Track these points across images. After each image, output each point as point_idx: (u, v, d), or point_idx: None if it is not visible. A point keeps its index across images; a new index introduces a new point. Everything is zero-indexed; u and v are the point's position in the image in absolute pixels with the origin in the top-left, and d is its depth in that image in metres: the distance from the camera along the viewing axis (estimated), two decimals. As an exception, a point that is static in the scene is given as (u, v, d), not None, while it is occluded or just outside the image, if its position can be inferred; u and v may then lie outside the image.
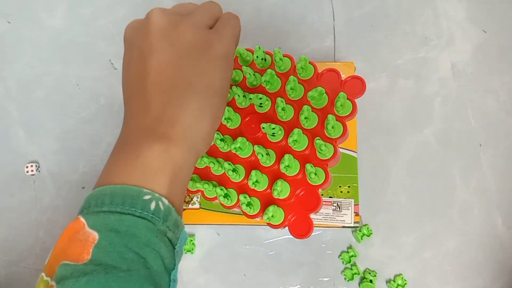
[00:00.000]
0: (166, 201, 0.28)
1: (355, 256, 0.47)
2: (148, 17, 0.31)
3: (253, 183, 0.37)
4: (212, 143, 0.40)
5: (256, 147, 0.36)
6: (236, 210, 0.40)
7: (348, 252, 0.47)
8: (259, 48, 0.40)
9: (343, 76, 0.41)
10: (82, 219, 0.27)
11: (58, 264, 0.25)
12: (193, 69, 0.30)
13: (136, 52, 0.31)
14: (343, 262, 0.47)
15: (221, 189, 0.38)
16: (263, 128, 0.37)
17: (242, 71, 0.40)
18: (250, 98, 0.39)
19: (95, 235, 0.26)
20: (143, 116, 0.30)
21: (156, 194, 0.27)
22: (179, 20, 0.31)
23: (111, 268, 0.25)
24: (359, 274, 0.46)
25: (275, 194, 0.36)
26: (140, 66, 0.30)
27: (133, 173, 0.28)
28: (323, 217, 0.44)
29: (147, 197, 0.27)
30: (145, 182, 0.28)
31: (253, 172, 0.37)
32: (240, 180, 0.38)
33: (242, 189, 0.39)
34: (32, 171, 0.50)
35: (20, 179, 0.51)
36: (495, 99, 0.51)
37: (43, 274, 0.27)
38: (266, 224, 0.38)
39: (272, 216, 0.37)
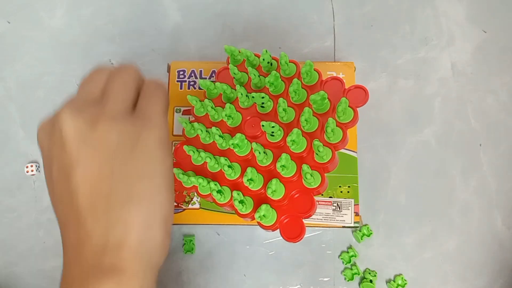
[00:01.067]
0: None
1: (355, 256, 0.47)
2: (59, 123, 0.25)
3: (247, 180, 0.37)
4: (211, 140, 0.40)
5: (254, 144, 0.36)
6: (228, 209, 0.40)
7: (348, 252, 0.47)
8: (266, 51, 0.40)
9: (344, 79, 0.41)
10: None
11: None
12: (127, 174, 0.25)
13: (56, 165, 0.26)
14: (343, 262, 0.47)
15: (215, 184, 0.37)
16: (263, 126, 0.37)
17: (247, 73, 0.40)
18: (253, 97, 0.39)
19: None
20: (83, 247, 0.25)
21: None
22: (95, 116, 0.25)
23: None
24: (359, 274, 0.46)
25: (269, 192, 0.36)
26: (65, 184, 0.25)
27: None
28: (323, 217, 0.44)
29: None
30: None
31: (249, 169, 0.37)
32: (235, 177, 0.38)
33: (236, 187, 0.38)
34: (32, 171, 0.50)
35: (20, 179, 0.51)
36: (495, 99, 0.51)
37: None
38: (258, 224, 0.38)
39: (264, 215, 0.36)
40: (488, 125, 0.50)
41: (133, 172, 0.25)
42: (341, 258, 0.47)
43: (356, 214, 0.44)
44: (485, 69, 0.52)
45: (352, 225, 0.44)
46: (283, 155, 0.36)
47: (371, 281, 0.46)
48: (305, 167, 0.35)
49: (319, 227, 0.45)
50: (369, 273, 0.46)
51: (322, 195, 0.45)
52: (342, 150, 0.45)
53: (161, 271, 0.48)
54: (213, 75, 0.48)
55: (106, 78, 0.28)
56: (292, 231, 0.37)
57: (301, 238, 0.36)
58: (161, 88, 0.29)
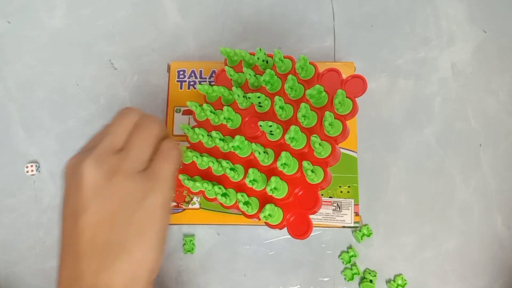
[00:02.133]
0: None
1: (355, 256, 0.47)
2: (82, 168, 0.29)
3: (250, 181, 0.37)
4: (213, 145, 0.40)
5: (253, 145, 0.36)
6: (235, 211, 0.40)
7: (348, 252, 0.47)
8: (260, 50, 0.40)
9: (344, 76, 0.41)
10: None
11: None
12: (128, 228, 0.28)
13: (69, 204, 0.30)
14: (343, 262, 0.47)
15: (219, 188, 0.38)
16: (261, 126, 0.37)
17: (244, 73, 0.40)
18: (249, 98, 0.39)
19: None
20: (75, 283, 0.28)
21: None
22: (113, 170, 0.29)
23: None
24: (359, 274, 0.46)
25: (268, 190, 0.36)
26: (73, 224, 0.29)
27: None
28: (323, 217, 0.44)
29: None
30: None
31: (251, 171, 0.37)
32: (239, 179, 0.38)
33: (241, 189, 0.38)
34: (32, 171, 0.50)
35: (20, 179, 0.51)
36: (495, 99, 0.51)
37: None
38: (265, 224, 0.38)
39: (269, 215, 0.37)
40: (488, 125, 0.50)
41: (132, 227, 0.28)
42: (341, 258, 0.47)
43: (356, 214, 0.44)
44: (485, 69, 0.52)
45: (352, 225, 0.44)
46: (283, 153, 0.36)
47: (371, 281, 0.46)
48: (305, 163, 0.35)
49: (319, 227, 0.45)
50: (369, 273, 0.46)
51: (322, 195, 0.45)
52: (343, 150, 0.45)
53: (161, 271, 0.48)
54: (213, 75, 0.48)
55: (131, 129, 0.31)
56: (299, 228, 0.37)
57: (309, 234, 0.36)
58: (176, 150, 0.32)
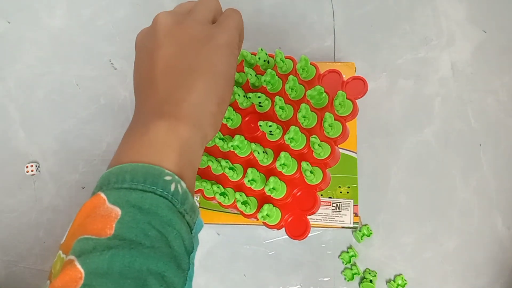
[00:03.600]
0: (184, 185, 0.28)
1: (355, 256, 0.47)
2: (155, 20, 0.34)
3: (249, 181, 0.37)
4: (213, 144, 0.40)
5: (253, 145, 0.36)
6: (234, 210, 0.40)
7: (348, 252, 0.47)
8: (261, 50, 0.40)
9: (345, 77, 0.41)
10: (103, 195, 0.27)
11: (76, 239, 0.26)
12: (196, 57, 0.32)
13: (145, 52, 0.34)
14: (343, 262, 0.47)
15: (218, 187, 0.38)
16: (260, 126, 0.37)
17: (245, 73, 0.40)
18: (249, 97, 0.39)
19: (117, 210, 0.26)
20: (151, 99, 0.32)
21: (176, 177, 0.28)
22: (183, 19, 0.33)
23: (136, 244, 0.25)
24: (359, 274, 0.46)
25: (267, 190, 0.36)
26: (149, 61, 0.33)
27: (141, 150, 0.29)
28: (322, 218, 0.44)
29: (168, 178, 0.27)
30: (153, 157, 0.28)
31: (249, 170, 0.37)
32: (238, 179, 0.38)
33: (240, 188, 0.38)
34: (32, 171, 0.50)
35: (20, 179, 0.51)
36: (495, 99, 0.51)
37: (60, 252, 0.27)
38: (263, 224, 0.38)
39: (267, 215, 0.37)
40: (488, 125, 0.50)
41: (201, 57, 0.32)
42: (341, 258, 0.47)
43: (356, 214, 0.44)
44: (485, 69, 0.52)
45: (351, 225, 0.44)
46: (282, 154, 0.36)
47: (371, 281, 0.46)
48: (304, 164, 0.35)
49: (319, 227, 0.45)
50: (369, 273, 0.46)
51: (321, 195, 0.44)
52: (342, 151, 0.45)
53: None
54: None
55: (194, 3, 0.36)
56: (297, 229, 0.37)
57: (307, 235, 0.36)
58: (237, 13, 0.36)
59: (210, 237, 0.48)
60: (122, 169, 0.28)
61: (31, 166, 0.50)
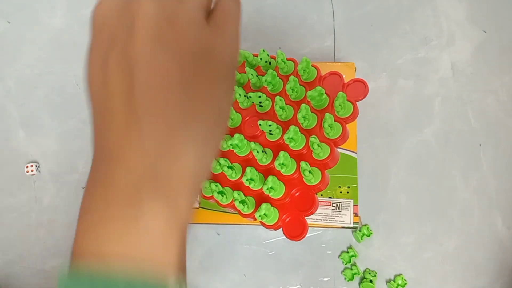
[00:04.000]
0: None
1: (355, 256, 0.47)
2: (134, 7, 0.23)
3: (247, 180, 0.37)
4: None
5: (252, 144, 0.36)
6: (232, 210, 0.40)
7: (348, 252, 0.47)
8: (263, 51, 0.40)
9: (345, 79, 0.41)
10: None
11: None
12: (199, 87, 0.22)
13: (116, 54, 0.23)
14: (343, 262, 0.47)
15: (216, 185, 0.38)
16: (260, 125, 0.37)
17: (246, 73, 0.40)
18: (250, 97, 0.39)
19: None
20: (134, 150, 0.21)
21: (179, 283, 0.21)
22: (175, 11, 0.23)
23: None
24: (359, 274, 0.46)
25: (265, 189, 0.36)
26: (126, 79, 0.22)
27: (133, 242, 0.20)
28: (322, 218, 0.44)
29: None
30: (152, 256, 0.20)
31: (248, 169, 0.37)
32: (236, 178, 0.38)
33: (239, 188, 0.38)
34: (32, 171, 0.50)
35: (20, 179, 0.51)
36: (495, 99, 0.51)
37: None
38: (261, 224, 0.38)
39: (265, 214, 0.36)
40: (488, 125, 0.50)
41: (204, 89, 0.23)
42: (341, 258, 0.47)
43: (356, 214, 0.44)
44: (485, 69, 0.52)
45: (351, 225, 0.44)
46: (281, 153, 0.36)
47: (371, 281, 0.46)
48: (303, 164, 0.35)
49: (318, 227, 0.45)
50: (369, 273, 0.46)
51: (321, 195, 0.45)
52: (342, 151, 0.45)
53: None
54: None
55: None
56: (295, 230, 0.37)
57: (304, 236, 0.36)
58: (237, 5, 0.27)
59: (210, 237, 0.48)
60: (110, 283, 0.19)
61: (31, 166, 0.50)
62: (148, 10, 0.22)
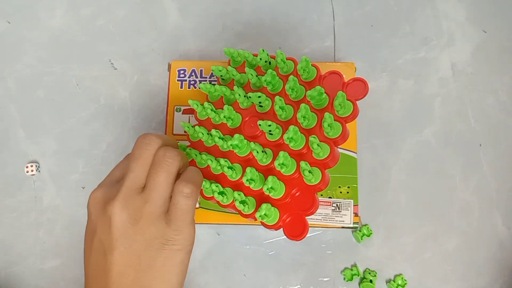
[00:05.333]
0: None
1: (358, 275, 0.46)
2: (110, 210, 0.31)
3: (247, 180, 0.37)
4: (213, 144, 0.40)
5: (252, 144, 0.36)
6: (232, 210, 0.40)
7: (351, 269, 0.46)
8: (263, 51, 0.40)
9: (345, 78, 0.41)
10: None
11: None
12: (151, 270, 0.31)
13: (98, 238, 0.32)
14: (344, 279, 0.47)
15: (216, 186, 0.37)
16: (260, 125, 0.37)
17: (246, 74, 0.40)
18: (249, 97, 0.39)
19: None
20: None
21: None
22: (139, 213, 0.31)
23: None
24: (358, 275, 0.46)
25: (265, 189, 0.36)
26: (102, 258, 0.31)
27: None
28: (322, 218, 0.44)
29: None
30: None
31: (248, 169, 0.37)
32: (237, 178, 0.38)
33: (239, 188, 0.38)
34: (32, 171, 0.50)
35: (20, 179, 0.51)
36: (495, 99, 0.51)
37: None
38: (261, 224, 0.38)
39: (265, 214, 0.36)
40: (488, 125, 0.50)
41: (156, 270, 0.31)
42: (343, 274, 0.46)
43: (356, 214, 0.44)
44: (485, 69, 0.52)
45: (351, 225, 0.44)
46: (281, 153, 0.36)
47: (371, 281, 0.46)
48: (303, 164, 0.35)
49: (318, 227, 0.45)
50: (369, 273, 0.46)
51: (321, 195, 0.45)
52: (342, 151, 0.45)
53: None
54: (213, 74, 0.48)
55: (152, 162, 0.33)
56: (295, 229, 0.36)
57: (304, 236, 0.36)
58: (190, 196, 0.33)
59: (210, 237, 0.48)
60: None
61: (31, 166, 0.50)
62: (117, 214, 0.31)
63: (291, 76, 0.38)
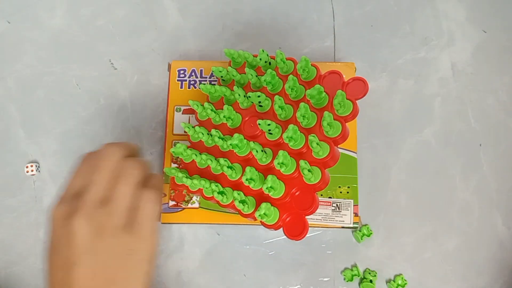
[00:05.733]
0: None
1: (358, 275, 0.46)
2: (73, 224, 0.31)
3: (247, 180, 0.37)
4: (213, 144, 0.40)
5: (251, 144, 0.36)
6: (232, 210, 0.40)
7: (352, 270, 0.46)
8: (263, 51, 0.40)
9: (345, 78, 0.41)
10: None
11: None
12: (115, 282, 0.31)
13: (61, 252, 0.31)
14: (344, 279, 0.47)
15: (216, 186, 0.37)
16: (259, 124, 0.37)
17: (246, 74, 0.40)
18: (249, 97, 0.39)
19: None
20: None
21: None
22: (102, 226, 0.31)
23: None
24: (358, 276, 0.46)
25: (265, 189, 0.36)
26: (64, 275, 0.30)
27: None
28: (322, 217, 0.44)
29: None
30: None
31: (248, 169, 0.37)
32: (236, 178, 0.38)
33: (239, 188, 0.38)
34: (32, 171, 0.50)
35: (20, 179, 0.51)
36: (495, 99, 0.51)
37: None
38: (261, 223, 0.38)
39: (265, 214, 0.36)
40: (488, 125, 0.50)
41: (120, 282, 0.31)
42: (343, 274, 0.47)
43: (356, 214, 0.44)
44: (485, 69, 0.52)
45: (351, 225, 0.44)
46: (280, 152, 0.36)
47: (371, 281, 0.46)
48: (302, 163, 0.35)
49: (318, 227, 0.45)
50: (369, 273, 0.46)
51: (321, 195, 0.45)
52: (342, 151, 0.45)
53: (161, 271, 0.48)
54: (213, 74, 0.48)
55: (114, 174, 0.33)
56: (295, 229, 0.36)
57: (304, 235, 0.36)
58: (154, 201, 0.33)
59: (210, 237, 0.48)
60: None
61: (31, 166, 0.50)
62: (80, 229, 0.30)
63: (291, 76, 0.38)
